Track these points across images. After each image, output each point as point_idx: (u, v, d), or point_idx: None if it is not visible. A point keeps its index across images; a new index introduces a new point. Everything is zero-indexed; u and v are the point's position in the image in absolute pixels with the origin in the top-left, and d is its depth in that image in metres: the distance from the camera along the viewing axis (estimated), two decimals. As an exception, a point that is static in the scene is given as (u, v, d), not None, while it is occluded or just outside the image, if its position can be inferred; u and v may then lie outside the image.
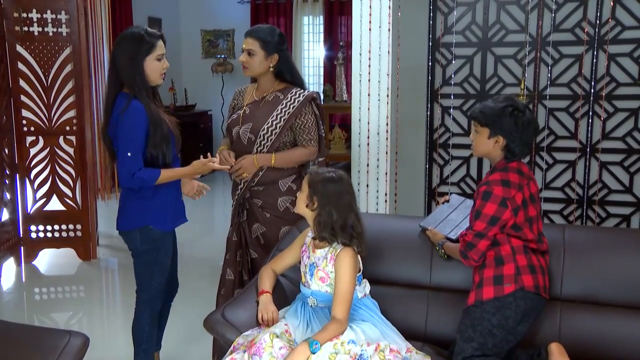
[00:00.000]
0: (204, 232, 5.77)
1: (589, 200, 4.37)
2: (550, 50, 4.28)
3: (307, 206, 2.34)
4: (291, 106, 2.93)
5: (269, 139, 2.91)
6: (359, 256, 2.33)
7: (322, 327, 2.19)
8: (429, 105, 4.54)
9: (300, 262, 2.47)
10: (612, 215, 4.36)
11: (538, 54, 4.31)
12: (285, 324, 2.27)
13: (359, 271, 2.35)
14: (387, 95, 3.60)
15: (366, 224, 2.37)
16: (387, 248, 2.62)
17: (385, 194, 3.71)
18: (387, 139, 3.64)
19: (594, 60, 4.21)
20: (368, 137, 3.68)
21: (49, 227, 5.02)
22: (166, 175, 2.63)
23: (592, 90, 4.23)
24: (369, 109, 3.64)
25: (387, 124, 3.65)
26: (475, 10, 4.40)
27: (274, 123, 2.91)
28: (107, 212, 5.87)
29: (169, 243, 2.83)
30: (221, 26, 9.11)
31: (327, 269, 2.30)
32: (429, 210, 4.69)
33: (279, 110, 2.93)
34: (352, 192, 2.35)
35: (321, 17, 8.71)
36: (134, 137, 2.57)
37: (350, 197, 2.32)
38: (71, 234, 5.04)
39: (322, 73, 8.83)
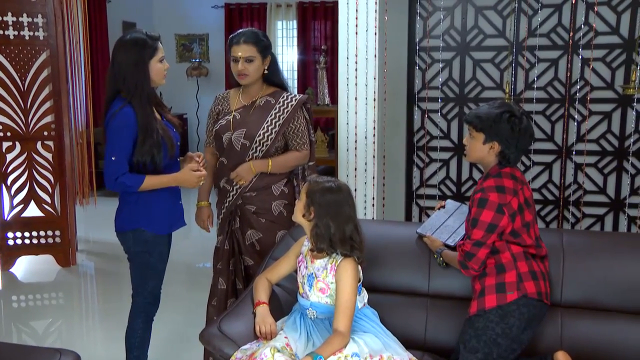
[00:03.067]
0: (180, 236, 5.75)
1: (564, 201, 4.48)
2: (527, 54, 4.39)
3: (303, 216, 2.29)
4: (285, 111, 2.91)
5: (265, 144, 2.89)
6: (359, 266, 2.30)
7: (325, 341, 2.15)
8: (415, 108, 4.60)
9: (296, 272, 2.43)
10: (587, 216, 4.48)
11: (515, 58, 4.40)
12: (285, 337, 2.23)
13: (359, 281, 2.32)
14: (374, 99, 3.64)
15: (363, 231, 2.33)
16: (384, 255, 2.60)
17: (373, 198, 3.74)
18: (374, 142, 3.67)
19: (569, 64, 4.32)
20: (355, 141, 3.71)
21: (26, 234, 4.95)
22: (151, 182, 2.63)
23: (568, 94, 4.35)
24: (356, 113, 3.67)
25: (374, 128, 3.68)
26: (453, 15, 4.48)
27: (269, 128, 2.90)
28: (85, 217, 5.80)
29: (162, 247, 2.82)
30: (195, 30, 9.11)
31: (328, 279, 2.26)
32: (409, 213, 4.75)
33: (273, 115, 2.91)
34: (352, 203, 2.30)
35: (295, 22, 8.76)
36: (120, 142, 2.57)
37: (350, 208, 2.27)
38: (50, 240, 4.97)
39: (296, 77, 8.88)
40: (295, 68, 8.89)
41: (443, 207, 2.74)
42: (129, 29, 8.23)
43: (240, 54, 2.84)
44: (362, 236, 2.29)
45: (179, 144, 2.81)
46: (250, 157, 2.90)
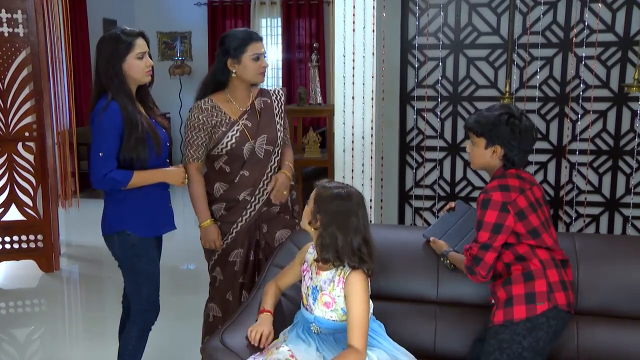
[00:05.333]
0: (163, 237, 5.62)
1: (559, 201, 4.44)
2: (521, 52, 4.33)
3: (309, 223, 2.15)
4: (281, 107, 2.92)
5: (280, 146, 2.90)
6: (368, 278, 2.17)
7: (339, 355, 2.03)
8: (408, 107, 4.52)
9: (301, 281, 2.30)
10: (582, 216, 4.44)
11: (510, 56, 4.33)
12: (289, 350, 2.12)
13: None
14: (372, 98, 3.54)
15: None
16: (390, 261, 2.49)
17: (371, 200, 3.65)
18: (372, 143, 3.58)
19: (564, 62, 4.27)
20: (352, 142, 3.62)
21: (7, 239, 4.78)
22: (140, 177, 2.55)
23: (563, 93, 4.30)
24: (353, 113, 3.57)
25: (372, 128, 3.59)
26: (447, 12, 4.40)
27: (280, 128, 2.89)
28: (68, 220, 5.62)
29: (151, 250, 2.71)
30: (178, 28, 8.95)
31: (334, 293, 2.13)
32: (402, 214, 4.67)
33: (276, 115, 2.89)
34: (363, 213, 2.14)
35: (279, 20, 8.65)
36: (106, 138, 2.50)
37: (358, 220, 2.11)
38: (32, 245, 4.81)
39: (280, 75, 8.77)
40: (280, 66, 8.76)
41: (452, 208, 2.64)
42: (109, 26, 8.09)
43: (263, 50, 2.80)
44: (373, 248, 2.15)
45: (167, 144, 2.72)
46: (273, 161, 2.86)
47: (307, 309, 2.22)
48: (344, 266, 2.13)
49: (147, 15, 8.81)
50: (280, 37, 8.71)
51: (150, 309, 2.75)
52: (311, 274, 2.22)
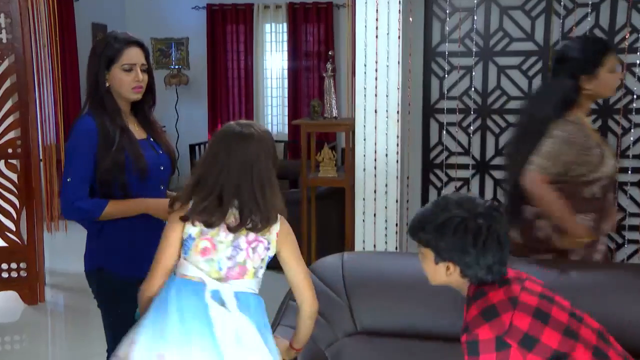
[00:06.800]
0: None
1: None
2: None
3: None
4: None
5: None
6: (177, 216, 1.83)
7: None
8: (432, 120, 4.11)
9: None
10: (630, 242, 4.01)
11: (546, 64, 3.94)
12: None
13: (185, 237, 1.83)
14: (397, 112, 3.12)
15: (389, 264, 2.06)
16: (415, 296, 2.14)
17: (396, 225, 3.23)
18: (397, 161, 3.16)
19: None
20: (375, 160, 3.20)
21: (-13, 268, 4.33)
22: (116, 207, 2.19)
23: (606, 104, 3.90)
24: (375, 128, 3.17)
25: (397, 145, 3.17)
26: (475, 16, 4.00)
27: None
28: (53, 245, 5.16)
29: (135, 291, 2.29)
30: (174, 34, 8.51)
31: None
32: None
33: None
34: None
35: (285, 25, 8.24)
36: (77, 159, 2.20)
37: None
38: (14, 274, 4.35)
39: (286, 85, 8.34)
40: (286, 76, 8.32)
41: None
42: (99, 31, 7.68)
43: (617, 60, 2.53)
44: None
45: (162, 168, 2.34)
46: None
47: None
48: None
49: (140, 19, 8.33)
50: (285, 44, 8.28)
51: None
52: None
